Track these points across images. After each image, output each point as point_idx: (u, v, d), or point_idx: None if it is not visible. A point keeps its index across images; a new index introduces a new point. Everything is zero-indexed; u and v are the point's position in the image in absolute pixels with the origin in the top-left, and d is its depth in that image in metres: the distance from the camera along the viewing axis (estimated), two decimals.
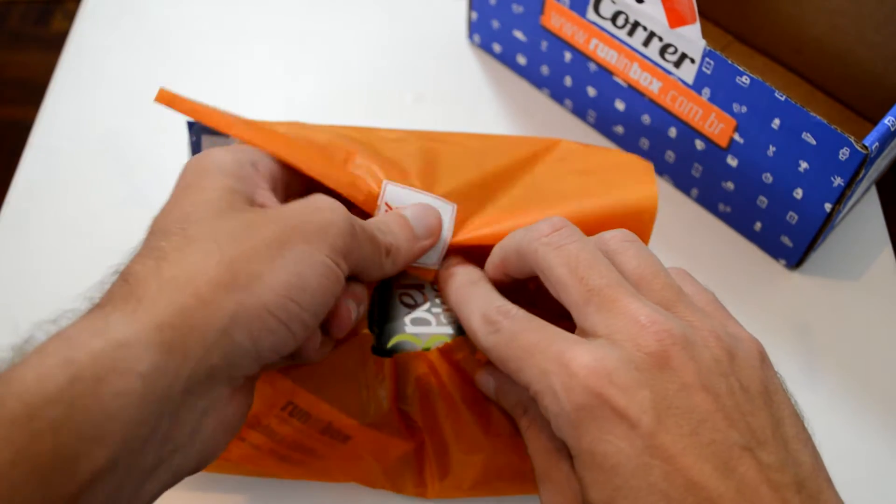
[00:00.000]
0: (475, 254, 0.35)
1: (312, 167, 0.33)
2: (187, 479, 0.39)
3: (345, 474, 0.38)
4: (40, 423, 0.21)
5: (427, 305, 0.36)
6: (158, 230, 0.27)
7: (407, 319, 0.36)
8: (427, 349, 0.35)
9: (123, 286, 0.25)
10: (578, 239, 0.29)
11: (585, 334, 0.27)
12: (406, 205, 0.34)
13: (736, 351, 0.27)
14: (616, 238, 0.30)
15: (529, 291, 0.34)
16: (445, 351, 0.35)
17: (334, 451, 0.36)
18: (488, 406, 0.35)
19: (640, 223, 0.35)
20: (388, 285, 0.37)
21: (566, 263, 0.28)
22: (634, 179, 0.37)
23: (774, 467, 0.25)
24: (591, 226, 0.33)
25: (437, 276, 0.35)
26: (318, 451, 0.36)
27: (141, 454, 0.23)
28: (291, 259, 0.27)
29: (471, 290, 0.32)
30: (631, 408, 0.25)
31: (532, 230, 0.30)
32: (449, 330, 0.36)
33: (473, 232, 0.35)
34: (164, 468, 0.25)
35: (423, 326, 0.36)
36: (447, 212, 0.34)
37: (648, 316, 0.26)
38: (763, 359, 0.28)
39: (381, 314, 0.36)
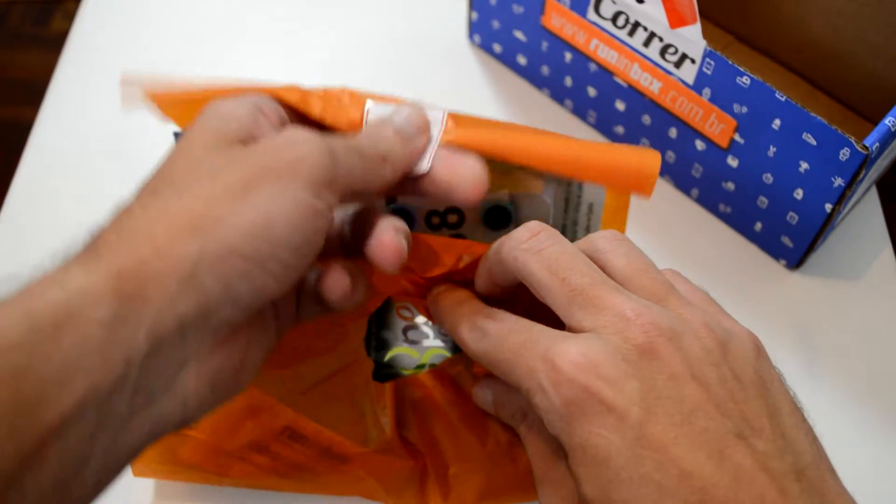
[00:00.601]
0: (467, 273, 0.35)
1: (292, 99, 0.32)
2: (185, 488, 0.39)
3: (346, 490, 0.38)
4: (0, 370, 0.21)
5: (424, 318, 0.36)
6: (138, 188, 0.27)
7: (404, 332, 0.36)
8: (423, 364, 0.35)
9: (88, 242, 0.25)
10: (557, 241, 0.29)
11: (571, 330, 0.27)
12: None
13: (728, 342, 0.27)
14: (604, 238, 0.30)
15: (524, 303, 0.34)
16: (440, 370, 0.35)
17: (334, 471, 0.36)
18: (486, 422, 0.35)
19: (639, 178, 0.33)
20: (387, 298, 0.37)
21: (546, 266, 0.28)
22: (636, 150, 0.36)
23: (771, 455, 0.24)
24: (590, 172, 0.31)
25: (428, 301, 0.34)
26: (318, 470, 0.36)
27: (110, 403, 0.23)
28: (256, 199, 0.26)
29: (459, 307, 0.32)
30: (619, 400, 0.25)
31: (511, 238, 0.30)
32: (445, 342, 0.36)
33: (466, 135, 0.32)
34: (141, 419, 0.24)
35: (420, 339, 0.36)
36: (437, 115, 0.33)
37: (634, 309, 0.26)
38: (758, 350, 0.28)
39: (379, 327, 0.36)
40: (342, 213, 0.32)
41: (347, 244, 0.32)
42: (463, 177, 0.30)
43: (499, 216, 0.40)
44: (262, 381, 0.34)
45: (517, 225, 0.41)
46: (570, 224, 0.40)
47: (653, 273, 0.29)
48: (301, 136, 0.28)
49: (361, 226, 0.31)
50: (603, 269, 0.29)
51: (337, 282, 0.29)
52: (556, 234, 0.30)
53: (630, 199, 0.36)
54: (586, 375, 0.25)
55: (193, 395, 0.26)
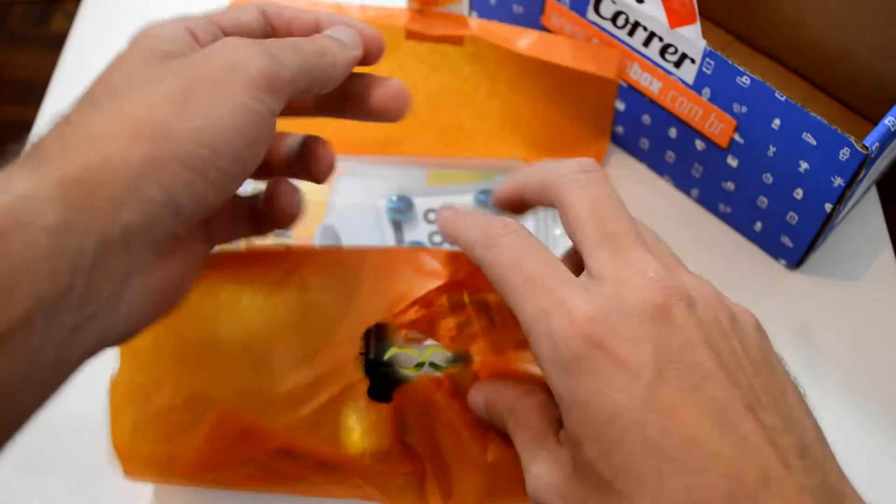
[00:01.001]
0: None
1: None
2: (184, 490, 0.39)
3: (345, 494, 0.38)
4: None
5: (433, 341, 0.36)
6: (75, 101, 0.27)
7: (404, 330, 0.36)
8: (423, 363, 0.35)
9: (29, 151, 0.25)
10: (606, 184, 0.29)
11: (591, 276, 0.27)
12: None
13: (739, 320, 0.27)
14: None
15: (489, 308, 0.34)
16: (443, 378, 0.34)
17: (332, 481, 0.36)
18: (487, 429, 0.35)
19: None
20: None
21: (590, 203, 0.28)
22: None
23: (778, 429, 0.24)
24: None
25: (437, 216, 0.34)
26: (315, 480, 0.36)
27: (57, 313, 0.23)
28: (198, 105, 0.26)
29: (470, 213, 0.31)
30: (632, 359, 0.24)
31: (562, 165, 0.29)
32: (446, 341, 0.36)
33: None
34: (87, 332, 0.24)
35: (420, 338, 0.36)
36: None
37: (657, 271, 0.26)
38: (762, 331, 0.28)
39: (378, 325, 0.36)
40: (290, 140, 0.33)
41: (294, 168, 0.33)
42: (393, 94, 0.32)
43: (487, 199, 0.47)
44: (254, 407, 0.34)
45: None
46: None
47: (666, 247, 0.29)
48: (235, 42, 0.28)
49: (304, 150, 0.33)
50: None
51: (288, 194, 0.31)
52: (606, 178, 0.29)
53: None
54: (602, 331, 0.25)
55: (137, 309, 0.26)
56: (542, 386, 0.31)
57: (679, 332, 0.25)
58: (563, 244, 0.48)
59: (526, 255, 0.27)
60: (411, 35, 0.49)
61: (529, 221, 0.48)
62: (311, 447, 0.34)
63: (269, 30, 0.32)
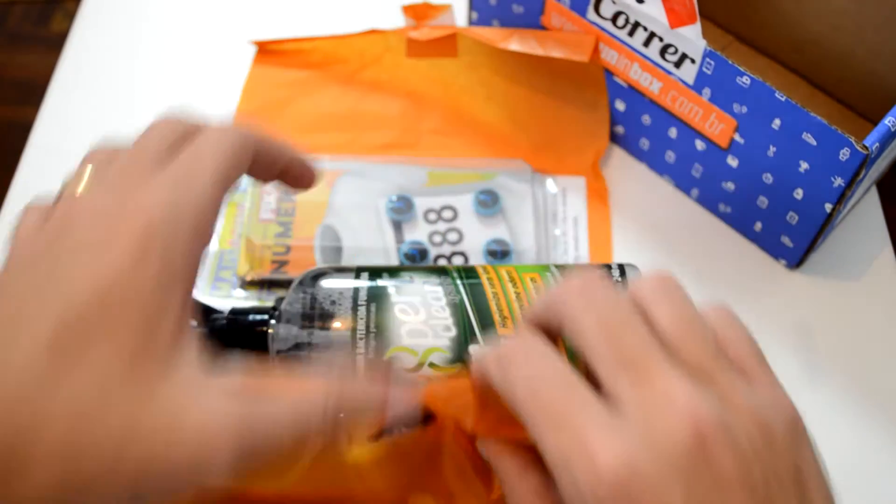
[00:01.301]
0: None
1: None
2: None
3: None
4: None
5: (423, 317, 0.36)
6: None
7: (403, 331, 0.36)
8: (423, 363, 0.35)
9: None
10: (611, 293, 0.27)
11: (612, 401, 0.25)
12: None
13: (772, 430, 0.25)
14: (651, 287, 0.28)
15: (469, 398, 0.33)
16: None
17: None
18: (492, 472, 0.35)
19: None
20: (386, 296, 0.36)
21: (598, 323, 0.26)
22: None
23: None
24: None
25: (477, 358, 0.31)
26: None
27: None
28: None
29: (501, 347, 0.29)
30: None
31: (562, 285, 0.27)
32: (445, 342, 0.36)
33: None
34: None
35: (419, 338, 0.36)
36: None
37: (686, 393, 0.24)
38: (798, 432, 0.26)
39: (378, 325, 0.36)
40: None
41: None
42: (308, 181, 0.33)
43: (487, 198, 0.49)
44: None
45: (504, 203, 0.49)
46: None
47: (700, 333, 0.27)
48: (210, 428, 0.26)
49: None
50: (647, 321, 0.27)
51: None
52: (608, 282, 0.27)
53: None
54: (627, 477, 0.23)
55: None
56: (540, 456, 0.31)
57: (711, 471, 0.24)
58: (562, 245, 0.48)
59: (540, 381, 0.26)
60: (411, 53, 0.53)
61: (529, 223, 0.48)
62: (309, 496, 0.34)
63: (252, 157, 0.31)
